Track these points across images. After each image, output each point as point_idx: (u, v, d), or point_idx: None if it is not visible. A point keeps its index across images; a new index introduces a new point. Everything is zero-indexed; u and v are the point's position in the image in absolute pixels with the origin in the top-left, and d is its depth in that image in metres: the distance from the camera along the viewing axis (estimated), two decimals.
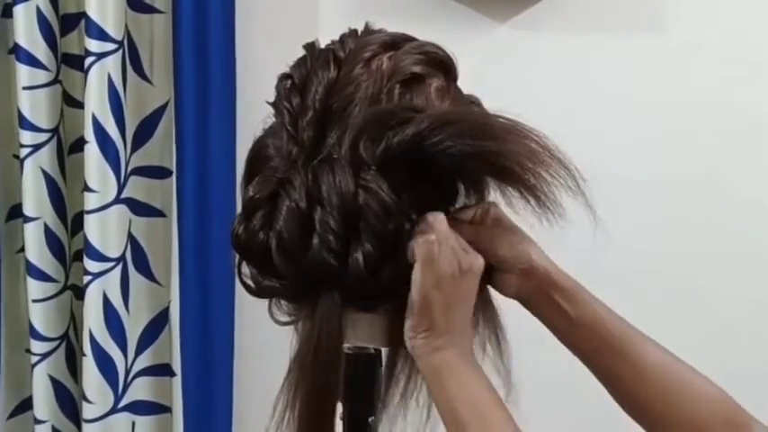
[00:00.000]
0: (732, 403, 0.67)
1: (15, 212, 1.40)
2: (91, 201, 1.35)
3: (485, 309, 0.69)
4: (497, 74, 1.34)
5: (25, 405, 1.45)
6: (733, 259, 1.38)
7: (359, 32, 0.68)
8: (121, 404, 1.43)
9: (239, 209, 0.65)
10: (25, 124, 1.33)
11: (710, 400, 0.67)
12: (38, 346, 1.39)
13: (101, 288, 1.38)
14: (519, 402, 0.68)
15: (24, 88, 1.32)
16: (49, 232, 1.37)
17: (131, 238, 1.41)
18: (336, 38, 0.68)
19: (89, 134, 1.34)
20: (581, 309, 0.67)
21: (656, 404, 0.67)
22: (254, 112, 0.69)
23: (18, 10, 1.30)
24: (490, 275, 0.68)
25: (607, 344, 0.67)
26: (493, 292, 0.69)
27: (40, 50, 1.32)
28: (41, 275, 1.37)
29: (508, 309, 0.70)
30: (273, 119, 0.66)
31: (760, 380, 1.34)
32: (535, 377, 1.23)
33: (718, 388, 0.68)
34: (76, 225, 1.42)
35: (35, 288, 1.37)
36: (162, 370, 1.47)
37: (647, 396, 0.67)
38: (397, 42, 0.66)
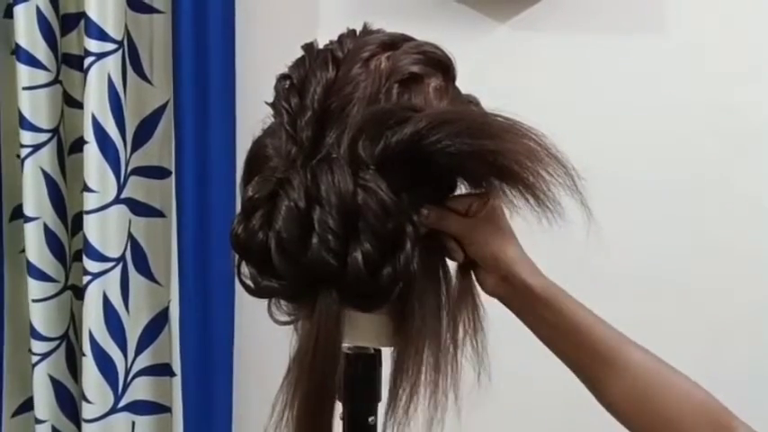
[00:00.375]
0: (716, 404, 0.67)
1: (19, 212, 1.40)
2: (91, 201, 1.35)
3: (467, 297, 0.69)
4: (497, 74, 1.34)
5: (29, 404, 1.45)
6: (733, 262, 1.38)
7: (357, 33, 0.68)
8: (121, 404, 1.43)
9: (239, 209, 0.65)
10: (25, 124, 1.33)
11: (694, 402, 0.67)
12: (38, 346, 1.39)
13: (101, 288, 1.38)
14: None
15: (24, 88, 1.32)
16: (48, 232, 1.37)
17: (131, 239, 1.41)
18: (335, 38, 0.68)
19: (89, 134, 1.34)
20: (562, 318, 0.67)
21: (640, 406, 0.67)
22: (254, 112, 0.69)
23: (18, 10, 1.30)
24: (474, 266, 0.68)
25: (590, 349, 0.67)
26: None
27: (40, 51, 1.32)
28: (41, 275, 1.37)
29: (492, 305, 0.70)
30: (272, 119, 0.66)
31: (759, 382, 1.34)
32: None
33: (702, 389, 0.67)
34: (76, 225, 1.42)
35: (35, 288, 1.37)
36: (162, 370, 1.47)
37: (631, 398, 0.67)
38: (395, 42, 0.66)
